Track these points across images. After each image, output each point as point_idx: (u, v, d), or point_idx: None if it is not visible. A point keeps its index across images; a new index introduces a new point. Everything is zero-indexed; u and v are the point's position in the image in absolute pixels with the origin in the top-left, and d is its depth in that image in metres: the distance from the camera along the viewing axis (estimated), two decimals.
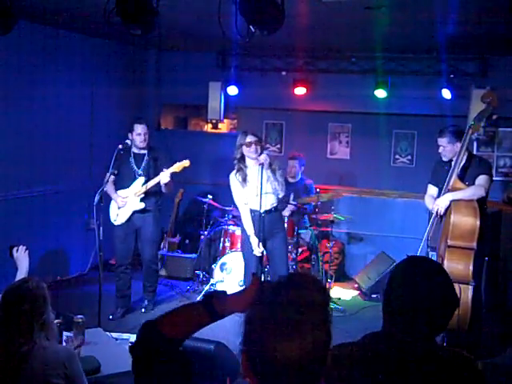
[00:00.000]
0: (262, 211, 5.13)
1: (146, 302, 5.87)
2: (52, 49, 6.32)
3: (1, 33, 4.16)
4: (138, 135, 5.56)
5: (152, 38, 6.73)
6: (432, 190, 4.95)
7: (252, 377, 1.32)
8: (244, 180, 5.22)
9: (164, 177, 5.41)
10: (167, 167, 5.45)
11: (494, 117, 5.19)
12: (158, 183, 5.48)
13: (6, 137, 5.82)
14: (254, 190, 5.17)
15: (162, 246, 7.06)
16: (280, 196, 5.30)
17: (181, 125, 9.33)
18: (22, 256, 3.56)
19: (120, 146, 5.21)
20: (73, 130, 6.78)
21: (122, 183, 5.65)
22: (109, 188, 5.63)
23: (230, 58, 7.83)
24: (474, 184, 4.62)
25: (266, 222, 5.22)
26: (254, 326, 1.32)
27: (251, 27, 3.72)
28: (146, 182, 5.55)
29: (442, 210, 4.54)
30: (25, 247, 3.59)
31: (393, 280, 1.85)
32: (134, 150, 5.64)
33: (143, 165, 5.62)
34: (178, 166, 5.45)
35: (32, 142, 6.14)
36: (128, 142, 5.30)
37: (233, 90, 7.68)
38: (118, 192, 5.62)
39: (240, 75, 7.72)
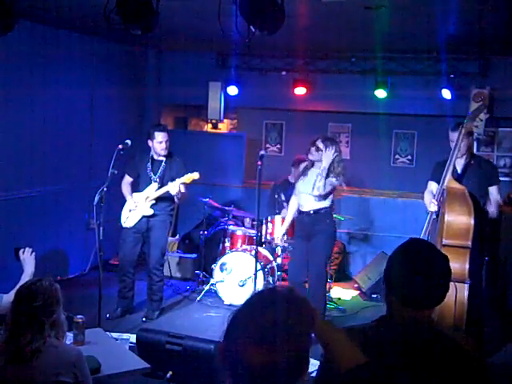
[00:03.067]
0: (304, 211, 5.31)
1: (148, 311, 5.72)
2: (52, 49, 6.31)
3: (1, 33, 4.16)
4: (159, 143, 5.48)
5: (152, 38, 6.73)
6: (433, 185, 4.94)
7: (224, 367, 1.40)
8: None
9: (172, 187, 5.40)
10: (180, 177, 5.44)
11: (487, 116, 5.20)
12: None
13: (6, 137, 5.82)
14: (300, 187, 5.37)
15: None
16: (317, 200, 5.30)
17: (181, 125, 9.33)
18: (28, 258, 3.56)
19: (120, 146, 5.19)
20: (73, 130, 6.78)
21: (139, 187, 5.68)
22: (124, 189, 5.67)
23: (230, 58, 7.83)
24: (472, 185, 4.61)
25: (306, 223, 5.32)
26: (233, 327, 1.40)
27: (251, 27, 3.72)
28: (158, 188, 5.55)
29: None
30: (31, 249, 3.59)
31: (394, 256, 1.97)
32: (154, 155, 5.61)
33: (159, 172, 5.59)
34: (187, 178, 5.41)
35: (32, 142, 6.13)
36: (128, 142, 5.28)
37: (233, 90, 7.68)
38: (133, 194, 5.65)
39: (240, 75, 7.72)
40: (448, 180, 4.54)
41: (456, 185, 4.53)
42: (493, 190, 4.72)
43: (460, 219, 4.28)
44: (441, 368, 1.81)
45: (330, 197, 5.31)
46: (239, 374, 1.36)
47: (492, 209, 4.70)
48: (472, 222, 4.25)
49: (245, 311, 1.42)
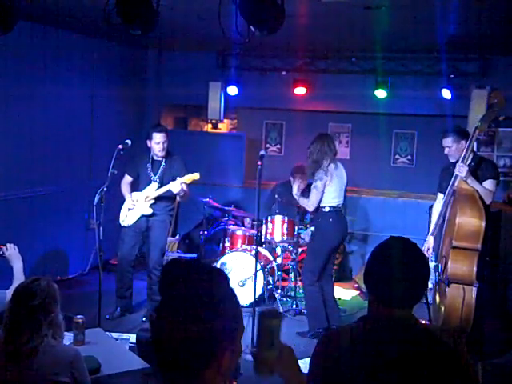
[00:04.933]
0: None
1: (148, 312, 5.70)
2: (52, 49, 6.31)
3: (1, 33, 4.15)
4: (157, 144, 5.47)
5: (152, 38, 6.73)
6: (441, 197, 4.91)
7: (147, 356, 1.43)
8: None
9: (173, 186, 5.40)
10: (181, 177, 5.43)
11: (501, 118, 5.14)
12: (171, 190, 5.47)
13: (6, 137, 5.81)
14: None
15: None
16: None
17: (181, 125, 9.33)
18: (13, 254, 3.55)
19: (120, 146, 5.20)
20: (73, 130, 6.78)
21: (139, 186, 5.69)
22: (123, 188, 5.68)
23: (229, 58, 7.83)
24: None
25: None
26: (159, 309, 1.40)
27: (251, 27, 3.72)
28: (158, 188, 5.55)
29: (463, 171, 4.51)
30: (12, 244, 3.58)
31: (372, 255, 1.98)
32: (153, 155, 5.60)
33: (159, 172, 5.58)
34: (188, 178, 5.41)
35: (32, 142, 6.13)
36: (128, 142, 5.28)
37: (233, 90, 7.68)
38: (133, 194, 5.66)
39: (240, 75, 7.72)
40: (459, 181, 4.51)
41: (466, 186, 4.49)
42: (486, 183, 4.58)
43: (471, 222, 4.25)
44: (420, 364, 1.82)
45: (326, 196, 5.31)
46: (158, 359, 1.37)
47: (483, 191, 4.52)
48: (483, 224, 4.21)
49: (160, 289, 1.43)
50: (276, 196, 6.67)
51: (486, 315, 5.01)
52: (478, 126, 4.55)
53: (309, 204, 5.32)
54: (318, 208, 5.37)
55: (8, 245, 3.57)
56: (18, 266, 3.53)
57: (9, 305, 2.68)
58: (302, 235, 6.54)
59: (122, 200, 5.70)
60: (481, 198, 4.42)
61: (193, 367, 1.36)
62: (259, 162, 5.11)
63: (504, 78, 6.68)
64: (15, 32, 4.23)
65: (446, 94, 6.84)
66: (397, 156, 8.36)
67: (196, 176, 5.44)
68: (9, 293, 3.21)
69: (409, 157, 8.31)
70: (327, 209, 5.31)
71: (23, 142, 6.02)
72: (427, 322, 4.29)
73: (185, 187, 5.49)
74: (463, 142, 4.67)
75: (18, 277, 3.45)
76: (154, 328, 1.38)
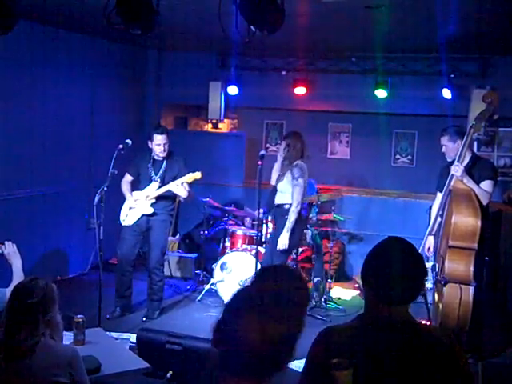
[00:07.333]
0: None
1: (148, 311, 5.71)
2: (52, 49, 6.32)
3: (1, 33, 4.15)
4: (158, 145, 5.49)
5: (152, 38, 6.73)
6: (440, 196, 4.90)
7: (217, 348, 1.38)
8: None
9: (174, 186, 5.40)
10: (181, 176, 5.44)
11: (495, 117, 5.16)
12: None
13: (6, 137, 5.82)
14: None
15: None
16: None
17: (181, 125, 9.33)
18: (12, 252, 3.54)
19: (120, 146, 5.20)
20: (73, 129, 6.78)
21: (140, 186, 5.69)
22: (124, 187, 5.69)
23: (229, 58, 7.82)
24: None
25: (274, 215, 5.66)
26: (238, 299, 1.41)
27: (251, 27, 3.72)
28: (159, 187, 5.55)
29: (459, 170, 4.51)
30: (10, 242, 3.57)
31: (370, 253, 2.01)
32: (154, 155, 5.62)
33: (160, 171, 5.59)
34: (189, 177, 5.42)
35: (32, 142, 6.14)
36: (128, 141, 5.28)
37: (233, 90, 7.68)
38: (133, 193, 5.66)
39: (240, 75, 7.72)
40: (455, 181, 4.52)
41: (462, 185, 4.50)
42: (483, 184, 4.55)
43: (467, 221, 4.25)
44: (417, 362, 1.84)
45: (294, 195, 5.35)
46: (231, 354, 1.35)
47: (479, 191, 4.50)
48: (479, 223, 4.22)
49: (253, 284, 1.43)
50: None
51: (486, 315, 5.01)
52: (473, 125, 4.56)
53: (295, 204, 5.34)
54: (280, 205, 5.44)
55: (6, 243, 3.55)
56: (16, 264, 3.51)
57: (7, 303, 2.68)
58: None
59: (122, 200, 5.71)
60: (477, 197, 4.42)
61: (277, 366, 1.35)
62: (259, 162, 5.12)
63: (504, 78, 6.68)
64: (15, 32, 4.23)
65: (446, 93, 6.84)
66: (397, 156, 8.37)
67: (197, 175, 5.44)
68: (8, 291, 3.21)
69: (409, 157, 8.32)
70: (288, 206, 5.36)
71: (23, 142, 6.02)
72: (427, 322, 4.29)
73: (186, 187, 5.50)
74: (459, 141, 4.67)
75: (18, 275, 3.44)
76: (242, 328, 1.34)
